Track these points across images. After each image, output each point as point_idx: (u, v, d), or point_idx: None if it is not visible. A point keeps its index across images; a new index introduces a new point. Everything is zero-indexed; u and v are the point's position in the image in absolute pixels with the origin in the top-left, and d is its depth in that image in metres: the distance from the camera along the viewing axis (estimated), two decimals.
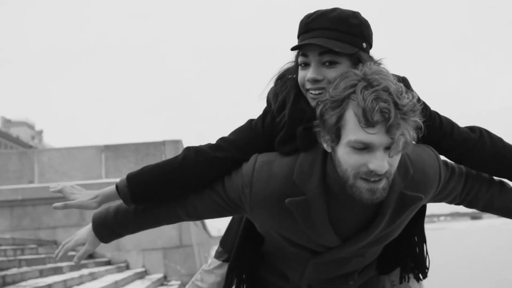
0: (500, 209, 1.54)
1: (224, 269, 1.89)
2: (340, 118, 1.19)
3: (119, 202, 1.57)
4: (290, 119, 1.40)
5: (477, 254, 18.15)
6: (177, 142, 10.13)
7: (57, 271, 6.58)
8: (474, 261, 15.31)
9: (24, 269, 5.86)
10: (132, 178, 1.52)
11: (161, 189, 1.50)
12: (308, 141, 1.35)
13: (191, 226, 10.02)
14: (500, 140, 1.55)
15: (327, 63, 1.34)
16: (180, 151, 6.47)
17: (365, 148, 1.17)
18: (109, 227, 1.55)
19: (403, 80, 1.46)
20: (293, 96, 1.42)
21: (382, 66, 1.40)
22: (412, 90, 1.45)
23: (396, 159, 1.23)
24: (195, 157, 1.49)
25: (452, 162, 1.52)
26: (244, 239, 1.64)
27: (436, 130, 1.49)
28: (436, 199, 1.49)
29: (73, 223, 9.50)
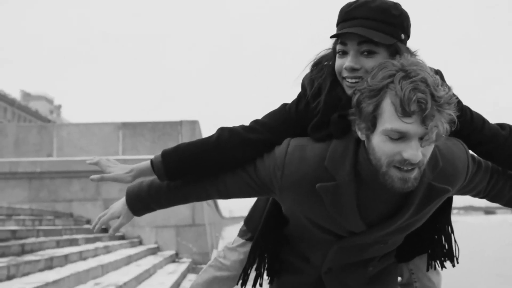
0: None
1: (247, 248, 1.92)
2: (377, 106, 1.21)
3: (152, 177, 1.62)
4: (325, 106, 1.42)
5: (488, 248, 18.10)
6: (194, 123, 10.22)
7: (73, 242, 6.75)
8: (485, 256, 15.26)
9: (42, 239, 6.03)
10: (167, 155, 1.55)
11: (195, 167, 1.54)
12: (342, 128, 1.37)
13: (204, 206, 10.16)
14: None
15: (366, 53, 1.35)
16: (196, 132, 6.66)
17: (400, 137, 1.20)
18: (142, 201, 1.59)
19: (438, 73, 1.48)
20: (330, 83, 1.43)
21: (418, 57, 1.42)
22: (446, 83, 1.50)
23: (429, 150, 1.25)
24: (229, 138, 1.51)
25: (478, 157, 1.54)
26: (269, 221, 1.67)
27: (467, 124, 1.50)
28: (462, 191, 1.52)
29: (89, 197, 9.70)
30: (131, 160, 9.74)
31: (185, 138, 9.93)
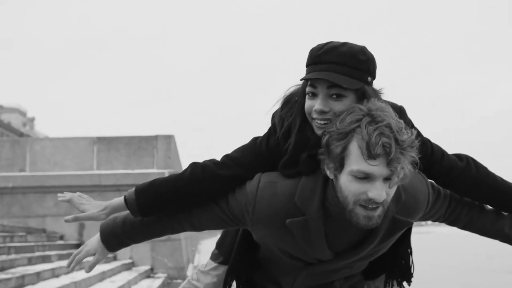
0: (479, 229, 1.69)
1: (219, 271, 1.98)
2: (345, 148, 1.29)
3: (125, 213, 1.64)
4: (295, 145, 1.48)
5: (458, 258, 18.42)
6: (169, 137, 10.21)
7: (45, 259, 6.66)
8: (454, 265, 15.53)
9: (13, 256, 5.94)
10: (140, 192, 1.58)
11: (168, 203, 1.57)
12: (311, 166, 1.44)
13: None
14: (484, 169, 1.67)
15: (334, 96, 1.41)
16: (172, 146, 6.69)
17: (365, 177, 1.28)
18: (116, 237, 1.62)
19: (400, 110, 1.57)
20: (299, 123, 1.50)
21: (383, 95, 1.53)
22: (408, 119, 1.59)
23: (393, 190, 1.34)
24: (201, 174, 1.55)
25: (436, 185, 1.64)
26: (242, 246, 1.74)
27: (428, 158, 1.59)
28: (423, 218, 1.62)
29: (63, 213, 9.56)
30: (106, 174, 9.69)
31: (161, 152, 9.92)
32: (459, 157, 1.66)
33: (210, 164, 1.57)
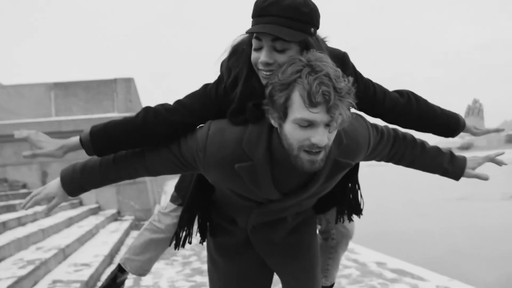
0: (421, 166, 1.84)
1: (178, 212, 2.09)
2: (287, 99, 1.36)
3: (85, 160, 1.70)
4: (241, 95, 1.54)
5: (410, 191, 19.23)
6: (129, 80, 10.04)
7: (9, 208, 6.63)
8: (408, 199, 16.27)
9: None
10: (95, 133, 1.63)
11: (121, 145, 1.63)
12: (256, 115, 1.51)
13: None
14: (424, 102, 1.81)
15: (278, 48, 1.46)
16: (132, 90, 6.63)
17: (308, 125, 1.36)
18: (76, 183, 1.67)
19: (344, 56, 1.65)
20: (246, 73, 1.55)
21: (326, 41, 1.61)
22: (351, 65, 1.68)
23: (333, 134, 1.43)
24: (154, 119, 1.60)
25: (382, 126, 1.75)
26: (197, 188, 1.82)
27: (370, 98, 1.71)
28: (366, 159, 1.72)
29: (24, 161, 9.45)
30: (66, 120, 9.54)
31: (120, 96, 9.78)
32: (401, 93, 1.79)
33: (162, 110, 1.62)
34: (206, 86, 1.67)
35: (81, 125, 9.53)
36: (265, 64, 1.47)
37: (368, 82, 1.72)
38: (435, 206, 13.60)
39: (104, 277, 4.77)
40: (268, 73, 1.47)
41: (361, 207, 1.98)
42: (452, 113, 1.88)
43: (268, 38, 1.45)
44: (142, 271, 2.35)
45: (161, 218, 2.25)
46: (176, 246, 1.93)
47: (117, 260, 5.73)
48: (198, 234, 1.93)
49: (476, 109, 2.01)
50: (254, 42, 1.50)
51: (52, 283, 3.98)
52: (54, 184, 1.69)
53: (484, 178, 1.84)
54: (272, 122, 1.44)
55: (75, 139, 1.66)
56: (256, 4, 1.49)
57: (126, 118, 1.65)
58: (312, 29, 1.48)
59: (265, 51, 1.46)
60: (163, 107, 1.64)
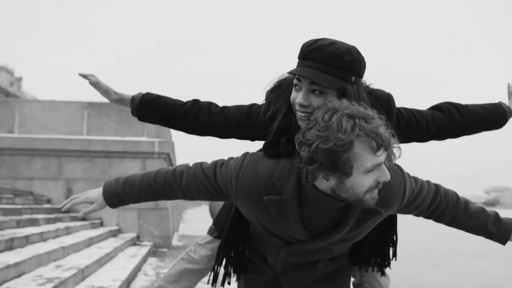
0: (464, 225, 1.75)
1: (214, 244, 2.12)
2: (352, 155, 1.34)
3: (128, 175, 1.77)
4: (277, 130, 1.61)
5: (427, 238, 18.80)
6: None
7: (33, 222, 6.67)
8: (423, 246, 15.88)
9: (1, 218, 5.94)
10: (145, 101, 1.85)
11: (160, 121, 1.86)
12: (289, 150, 1.54)
13: None
14: (465, 108, 1.87)
15: (316, 91, 1.51)
16: None
17: (374, 168, 1.38)
18: (117, 195, 1.72)
19: (388, 97, 1.70)
20: (285, 110, 1.62)
21: (372, 85, 1.68)
22: (394, 105, 1.72)
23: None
24: (194, 115, 1.81)
25: (423, 180, 1.70)
26: (234, 222, 1.85)
27: (414, 129, 1.78)
28: (403, 211, 1.68)
29: (50, 176, 9.56)
30: (95, 140, 9.65)
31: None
32: (441, 109, 1.85)
33: (205, 110, 1.81)
34: (252, 106, 1.78)
35: (111, 146, 9.63)
36: (300, 105, 1.52)
37: (409, 114, 1.79)
38: (451, 259, 13.23)
39: None
40: (303, 114, 1.52)
41: (388, 262, 1.97)
42: (494, 105, 1.92)
43: (307, 80, 1.51)
44: None
45: (197, 249, 2.28)
46: (214, 283, 1.94)
47: (134, 285, 5.66)
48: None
49: None
50: (295, 82, 1.55)
51: None
52: (96, 191, 1.74)
53: None
54: (325, 184, 1.41)
55: (129, 96, 1.88)
56: (302, 47, 1.55)
57: (175, 102, 1.85)
58: (353, 78, 1.52)
59: (303, 92, 1.52)
60: (209, 107, 1.81)
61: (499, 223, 1.74)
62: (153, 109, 1.83)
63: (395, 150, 1.41)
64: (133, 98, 1.86)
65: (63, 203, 1.73)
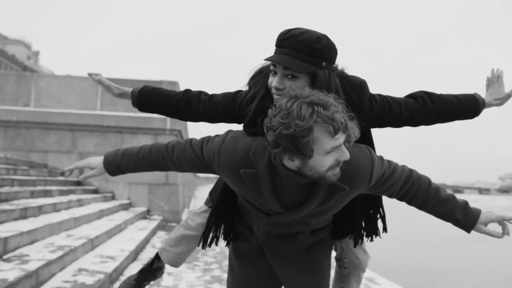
0: (433, 210, 1.84)
1: (208, 214, 2.27)
2: (312, 139, 1.46)
3: (127, 147, 1.96)
4: (255, 110, 1.77)
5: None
6: (174, 84, 10.30)
7: (47, 194, 6.90)
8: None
9: (16, 188, 6.17)
10: (143, 93, 2.05)
11: (157, 110, 2.06)
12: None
13: None
14: (439, 97, 1.96)
15: (289, 76, 1.66)
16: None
17: (334, 149, 1.50)
18: (116, 164, 1.92)
19: (361, 83, 1.82)
20: (262, 93, 1.79)
21: (347, 69, 1.82)
22: (367, 90, 1.84)
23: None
24: (185, 103, 1.99)
25: (397, 164, 1.81)
26: (224, 193, 2.02)
27: (387, 115, 1.89)
28: (375, 191, 1.79)
29: (65, 150, 9.80)
30: (109, 116, 9.85)
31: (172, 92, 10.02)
32: (415, 97, 1.95)
33: (195, 98, 1.98)
34: (237, 92, 1.94)
35: (123, 121, 9.82)
36: (276, 88, 1.67)
37: (382, 101, 1.89)
38: (453, 243, 13.30)
39: (127, 271, 4.90)
40: (278, 97, 1.66)
41: (377, 232, 2.07)
42: (468, 96, 2.01)
43: (281, 66, 1.65)
44: (175, 262, 2.55)
45: (193, 217, 2.49)
46: (203, 246, 2.11)
47: (142, 257, 5.87)
48: (223, 240, 2.07)
49: (495, 77, 2.10)
50: (272, 67, 1.70)
51: (78, 270, 4.14)
52: (97, 159, 1.93)
53: (497, 236, 1.79)
54: (290, 163, 1.54)
55: (129, 90, 2.11)
56: (278, 36, 1.69)
57: (169, 93, 2.04)
58: (324, 63, 1.65)
59: (278, 77, 1.67)
60: (199, 96, 1.98)
61: (467, 212, 1.81)
62: (150, 100, 2.04)
63: (354, 131, 1.52)
64: (133, 91, 2.07)
65: (68, 167, 1.92)
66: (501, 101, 2.07)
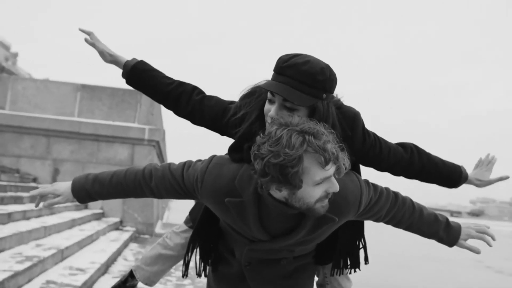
0: (418, 231, 1.88)
1: (188, 234, 2.24)
2: (302, 169, 1.40)
3: (97, 173, 1.82)
4: (242, 134, 1.69)
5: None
6: None
7: (17, 200, 6.70)
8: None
9: None
10: (136, 69, 1.92)
11: (147, 92, 1.94)
12: (251, 156, 1.57)
13: None
14: (427, 156, 1.94)
15: (288, 107, 1.57)
16: (156, 103, 6.79)
17: (323, 181, 1.45)
18: (86, 191, 1.78)
19: (355, 115, 1.78)
20: (253, 117, 1.69)
21: (342, 99, 1.78)
22: (360, 123, 1.80)
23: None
24: (176, 96, 1.88)
25: (383, 188, 1.80)
26: (205, 216, 1.94)
27: (377, 156, 1.86)
28: (362, 218, 1.78)
29: (38, 155, 9.57)
30: (86, 123, 9.67)
31: (144, 108, 9.91)
32: (405, 147, 1.93)
33: (187, 95, 1.88)
34: (230, 103, 1.84)
35: (100, 129, 9.65)
36: (273, 118, 1.57)
37: (375, 140, 1.85)
38: (415, 262, 13.42)
39: (97, 285, 4.76)
40: None
41: (358, 264, 2.05)
42: (454, 166, 2.00)
43: (280, 97, 1.56)
44: (149, 281, 2.49)
45: (172, 236, 2.40)
46: (184, 274, 2.03)
47: (113, 269, 5.72)
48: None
49: (486, 161, 2.11)
50: (269, 95, 1.61)
51: (46, 283, 3.98)
52: (65, 185, 1.79)
53: (476, 252, 1.87)
54: (279, 194, 1.49)
55: (123, 59, 1.96)
56: (278, 61, 1.59)
57: (163, 79, 1.92)
58: (324, 95, 1.58)
59: (276, 107, 1.57)
60: (192, 93, 1.88)
61: (449, 229, 1.87)
62: (141, 80, 1.92)
63: (344, 163, 1.47)
64: (125, 63, 1.94)
65: (32, 192, 1.77)
66: (481, 183, 2.09)
